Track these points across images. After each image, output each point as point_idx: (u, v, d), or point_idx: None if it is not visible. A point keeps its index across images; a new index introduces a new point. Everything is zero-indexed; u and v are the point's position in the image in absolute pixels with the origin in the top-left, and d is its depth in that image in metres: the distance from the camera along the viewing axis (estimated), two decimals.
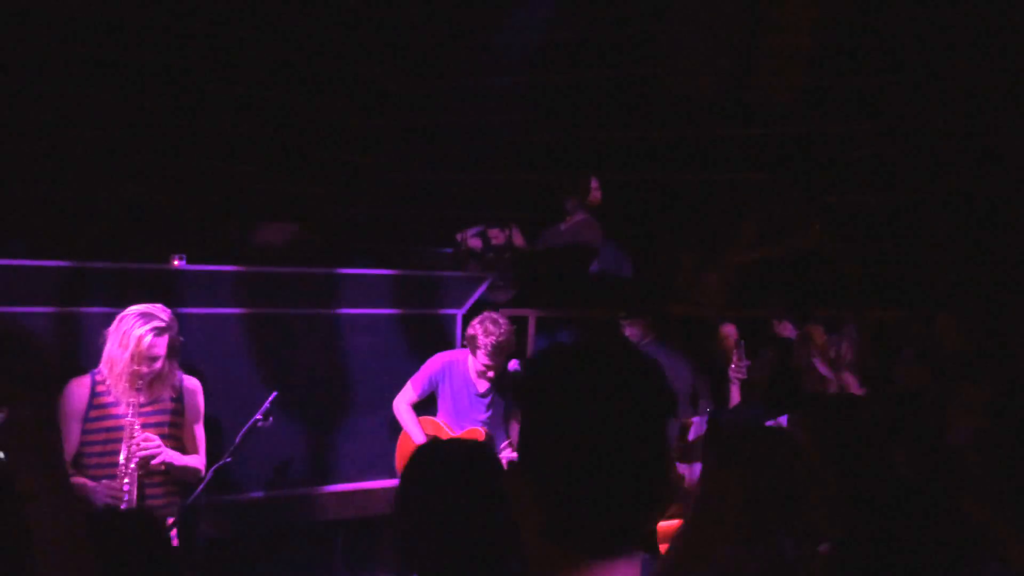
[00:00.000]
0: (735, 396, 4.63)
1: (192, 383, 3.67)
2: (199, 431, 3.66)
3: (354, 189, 7.54)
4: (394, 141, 7.91)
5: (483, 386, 4.44)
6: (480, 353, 4.34)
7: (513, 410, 4.43)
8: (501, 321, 4.36)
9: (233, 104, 7.48)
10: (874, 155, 6.82)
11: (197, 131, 7.21)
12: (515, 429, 4.46)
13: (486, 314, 4.45)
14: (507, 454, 4.30)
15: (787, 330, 5.31)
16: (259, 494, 4.63)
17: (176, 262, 4.49)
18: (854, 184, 6.86)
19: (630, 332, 5.17)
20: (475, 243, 6.02)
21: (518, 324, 5.33)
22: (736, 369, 4.58)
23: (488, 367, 4.32)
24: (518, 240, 6.27)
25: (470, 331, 4.41)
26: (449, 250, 6.00)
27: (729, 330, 5.35)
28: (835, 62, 7.07)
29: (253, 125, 7.53)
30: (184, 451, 3.60)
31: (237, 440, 3.55)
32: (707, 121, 7.38)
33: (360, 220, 7.07)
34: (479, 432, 4.40)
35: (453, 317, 5.23)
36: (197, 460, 3.59)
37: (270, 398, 3.62)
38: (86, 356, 4.20)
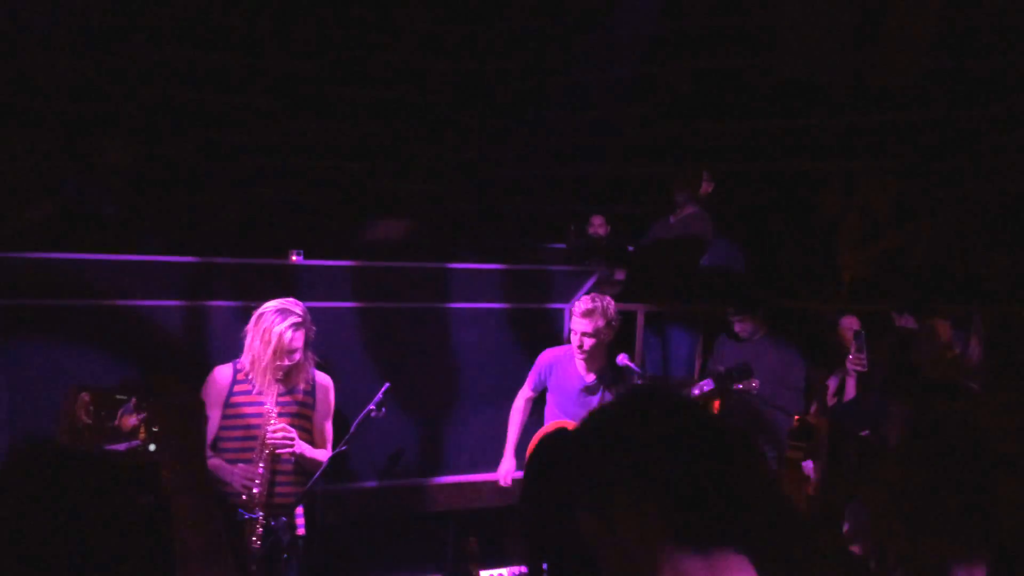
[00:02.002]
0: (851, 389, 4.46)
1: (324, 379, 3.82)
2: (328, 427, 3.82)
3: (465, 185, 7.63)
4: (504, 137, 7.96)
5: (590, 379, 4.40)
6: (572, 322, 4.32)
7: None
8: (595, 295, 4.33)
9: (348, 105, 7.69)
10: (1004, 142, 6.44)
11: (314, 132, 7.45)
12: None
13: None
14: None
15: (908, 323, 5.08)
16: (372, 483, 4.75)
17: (294, 257, 4.65)
18: (985, 173, 6.50)
19: (740, 328, 5.05)
20: (595, 232, 6.00)
21: (627, 319, 5.28)
22: (854, 361, 4.39)
23: (579, 335, 4.28)
24: (602, 230, 6.22)
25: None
26: (558, 245, 6.01)
27: (850, 322, 5.15)
28: (962, 43, 6.71)
29: (367, 125, 7.73)
30: (312, 444, 3.75)
31: (352, 430, 3.65)
32: (824, 109, 7.13)
33: (470, 216, 7.15)
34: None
35: (561, 311, 5.22)
36: (323, 455, 3.73)
37: (383, 389, 3.70)
38: (212, 347, 4.42)
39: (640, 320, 5.51)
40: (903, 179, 6.31)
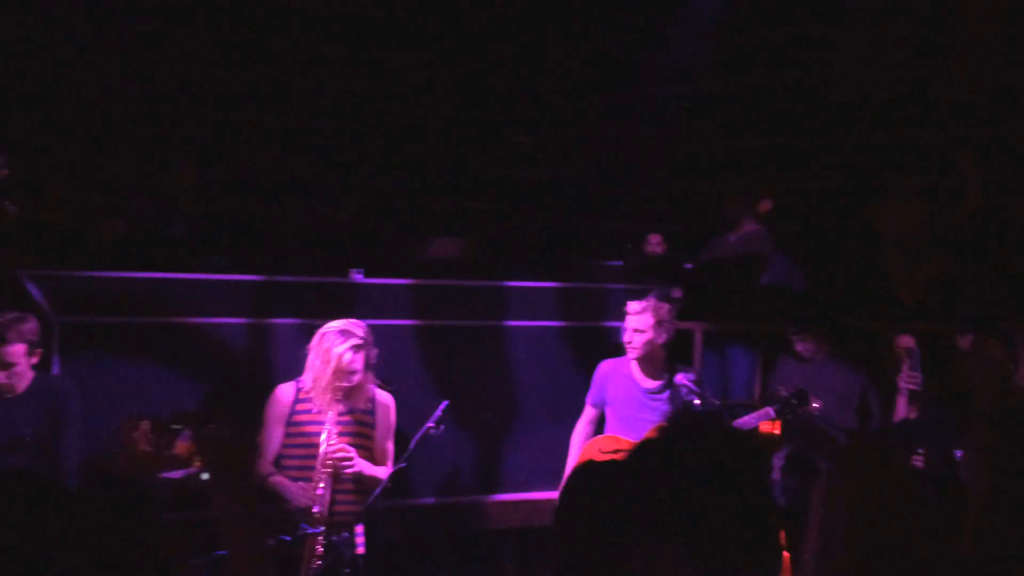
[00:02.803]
0: (901, 408, 4.35)
1: (385, 398, 3.87)
2: (389, 445, 3.87)
3: (522, 204, 7.67)
4: (561, 155, 7.98)
5: (650, 384, 4.35)
6: (625, 321, 4.29)
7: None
8: (649, 298, 4.30)
9: (404, 124, 7.80)
10: None
11: (372, 151, 7.57)
12: None
13: None
14: None
15: (967, 343, 4.93)
16: (430, 500, 4.78)
17: (354, 276, 4.73)
18: None
19: (802, 347, 4.96)
20: (652, 250, 5.98)
21: (684, 338, 5.24)
22: (907, 379, 4.29)
23: (630, 331, 4.24)
24: (659, 248, 6.18)
25: None
26: (615, 262, 5.99)
27: (905, 340, 5.04)
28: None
29: (427, 143, 7.83)
30: (373, 462, 3.80)
31: (411, 447, 3.69)
32: (886, 125, 7.01)
33: (527, 234, 7.18)
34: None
35: (618, 330, 5.20)
36: (384, 472, 3.78)
37: (441, 407, 3.74)
38: (275, 364, 4.51)
39: (698, 339, 5.46)
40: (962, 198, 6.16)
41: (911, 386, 4.27)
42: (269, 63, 7.45)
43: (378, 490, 3.59)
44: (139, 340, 4.39)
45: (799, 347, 4.95)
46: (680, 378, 4.26)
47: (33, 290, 4.15)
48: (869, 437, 4.31)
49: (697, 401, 4.12)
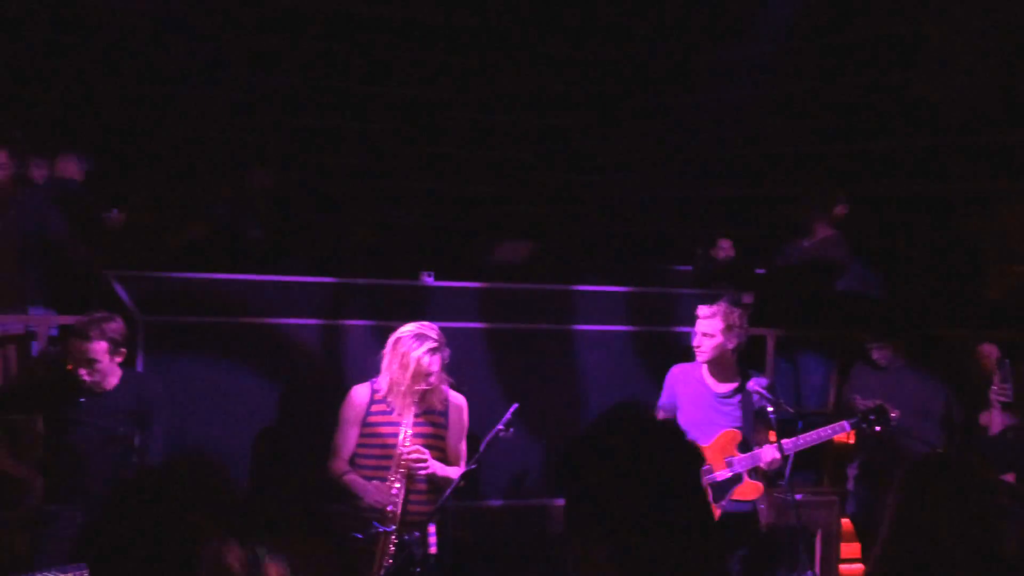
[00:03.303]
0: (997, 421, 4.20)
1: (459, 400, 3.92)
2: (462, 447, 3.92)
3: (591, 207, 7.66)
4: (631, 158, 7.95)
5: (722, 388, 4.30)
6: (696, 324, 4.24)
7: (758, 422, 4.25)
8: (719, 302, 4.25)
9: (475, 129, 7.87)
10: None
11: (442, 156, 7.66)
12: (762, 438, 4.28)
13: None
14: (766, 448, 4.11)
15: None
16: (497, 502, 4.81)
17: (425, 279, 4.79)
18: None
19: (879, 355, 4.85)
20: (722, 255, 5.91)
21: (757, 344, 5.17)
22: (998, 391, 4.14)
23: (699, 335, 4.20)
24: (730, 253, 6.09)
25: None
26: (685, 267, 5.94)
27: (989, 349, 4.87)
28: None
29: (496, 147, 7.88)
30: (446, 462, 3.85)
31: (481, 448, 3.72)
32: (967, 128, 6.80)
33: (597, 238, 7.17)
34: (735, 434, 4.21)
35: (687, 335, 5.16)
36: (456, 473, 3.81)
37: (511, 409, 3.76)
38: (347, 364, 4.60)
39: (770, 346, 5.38)
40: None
41: (1003, 398, 4.13)
42: (343, 69, 7.60)
43: (448, 491, 3.63)
44: (218, 339, 4.52)
45: (876, 355, 4.84)
46: (752, 384, 4.20)
47: (120, 290, 4.31)
48: (952, 451, 4.19)
49: (770, 408, 4.06)
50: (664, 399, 4.50)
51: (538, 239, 6.41)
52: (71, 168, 5.52)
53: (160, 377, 4.12)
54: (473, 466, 3.69)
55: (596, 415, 4.87)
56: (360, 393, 3.84)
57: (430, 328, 3.81)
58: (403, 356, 3.71)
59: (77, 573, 3.22)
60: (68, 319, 4.48)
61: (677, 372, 4.47)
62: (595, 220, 7.44)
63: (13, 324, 4.54)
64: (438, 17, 7.85)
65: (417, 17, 7.81)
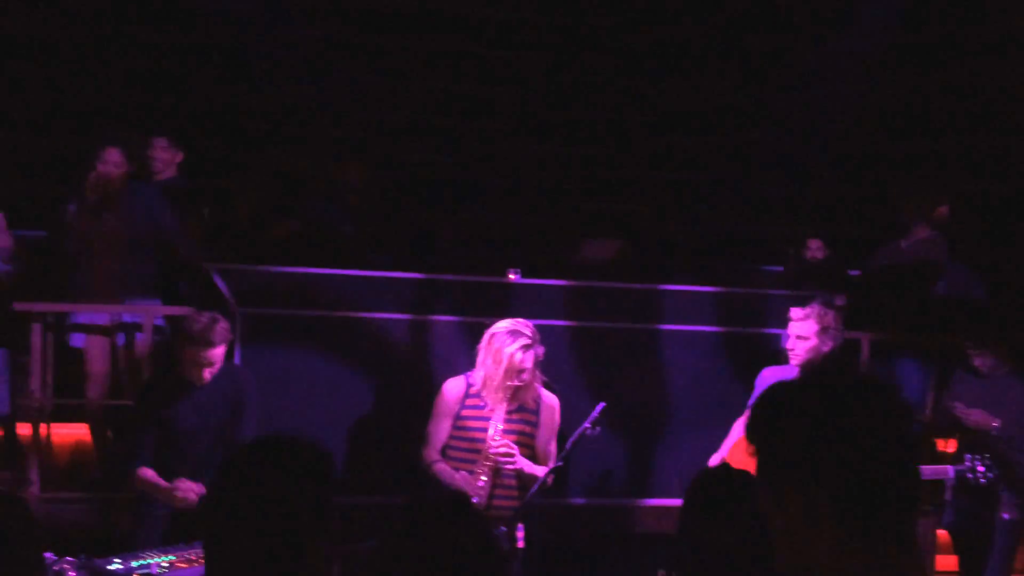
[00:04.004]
0: None
1: (551, 399, 3.94)
2: (552, 446, 3.94)
3: (680, 206, 7.58)
4: (721, 157, 7.83)
5: None
6: (788, 327, 4.13)
7: None
8: (813, 304, 4.13)
9: (567, 125, 7.87)
10: None
11: (530, 153, 7.68)
12: None
13: None
14: None
15: None
16: (581, 501, 4.81)
17: (511, 276, 4.82)
18: None
19: (980, 362, 4.65)
20: (812, 255, 5.76)
21: (850, 348, 5.03)
22: None
23: (793, 337, 4.09)
24: (820, 254, 5.94)
25: None
26: (775, 268, 5.82)
27: None
28: None
29: (585, 145, 7.87)
30: (535, 460, 3.87)
31: (567, 446, 3.73)
32: None
33: (685, 237, 7.09)
34: None
35: (778, 337, 5.05)
36: (543, 471, 3.82)
37: (598, 408, 3.75)
38: (434, 359, 4.67)
39: (865, 350, 5.22)
40: None
41: None
42: (433, 66, 7.70)
43: (534, 488, 3.64)
44: (310, 331, 4.65)
45: (977, 362, 4.65)
46: None
47: (219, 283, 4.47)
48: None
49: None
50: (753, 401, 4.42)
51: (626, 237, 6.37)
52: (169, 164, 5.73)
53: (251, 368, 4.24)
54: (560, 464, 3.70)
55: (682, 419, 4.86)
56: (454, 386, 3.90)
57: (524, 325, 3.83)
58: (496, 352, 3.75)
59: (182, 552, 3.36)
60: (172, 310, 4.67)
61: (770, 374, 4.39)
62: (684, 219, 7.35)
63: (121, 314, 4.74)
64: (520, 14, 7.88)
65: (499, 14, 7.85)
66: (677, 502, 4.78)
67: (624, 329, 4.95)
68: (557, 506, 4.63)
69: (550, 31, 7.91)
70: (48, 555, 2.85)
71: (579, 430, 3.70)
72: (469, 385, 3.87)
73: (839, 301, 5.23)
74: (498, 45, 7.82)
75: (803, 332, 4.11)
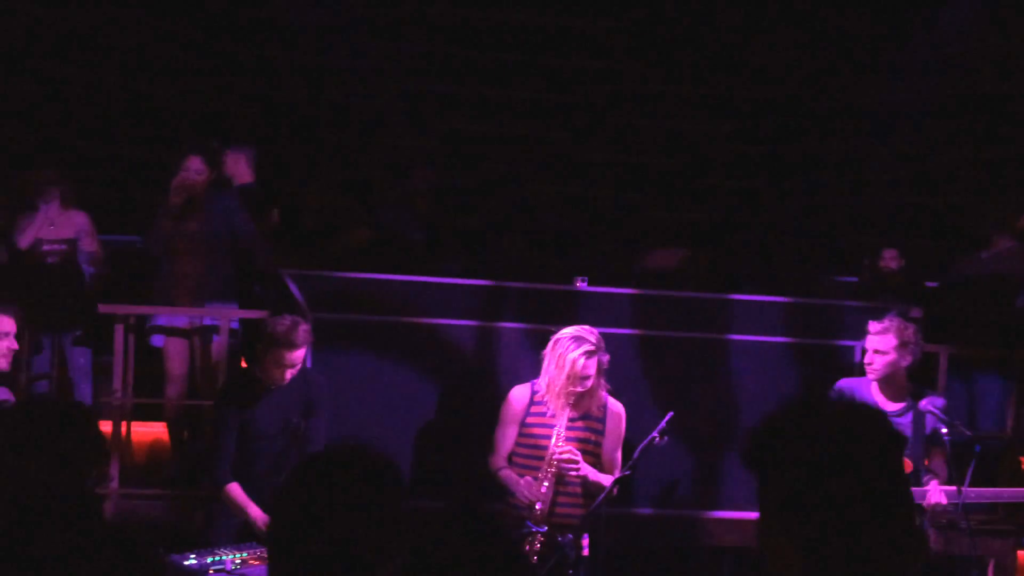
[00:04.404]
0: None
1: (617, 407, 3.93)
2: (617, 455, 3.93)
3: (749, 215, 7.48)
4: (790, 166, 7.71)
5: (894, 407, 4.08)
6: (866, 340, 4.03)
7: (934, 444, 4.02)
8: (894, 315, 4.03)
9: (634, 133, 7.85)
10: None
11: (598, 160, 7.68)
12: (936, 462, 4.05)
13: None
14: (933, 489, 3.88)
15: None
16: (647, 511, 4.77)
17: (579, 284, 4.82)
18: None
19: None
20: (887, 266, 5.63)
21: (928, 361, 4.89)
22: None
23: (871, 351, 3.99)
24: (894, 264, 5.79)
25: None
26: (849, 278, 5.70)
27: None
28: None
29: (652, 153, 7.83)
30: (600, 468, 3.87)
31: (635, 455, 3.71)
32: None
33: (755, 246, 6.99)
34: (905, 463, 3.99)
35: (851, 349, 4.95)
36: (608, 479, 3.82)
37: (667, 418, 3.72)
38: (500, 366, 4.69)
39: (943, 364, 5.07)
40: None
41: None
42: (501, 75, 7.76)
43: (601, 497, 3.63)
44: (380, 337, 4.72)
45: None
46: (925, 403, 3.97)
47: (293, 288, 4.58)
48: None
49: (944, 430, 3.83)
50: None
51: (694, 246, 6.31)
52: (245, 171, 5.90)
53: (324, 372, 4.33)
54: (627, 472, 3.68)
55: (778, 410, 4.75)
56: (520, 393, 3.91)
57: (589, 332, 3.83)
58: (559, 357, 3.75)
59: (254, 550, 3.45)
60: (249, 313, 4.79)
61: (844, 387, 4.29)
62: (754, 228, 7.26)
63: (199, 317, 4.89)
64: (590, 22, 7.89)
65: (570, 22, 7.87)
66: (745, 515, 4.76)
67: (692, 339, 4.90)
68: (623, 515, 4.60)
69: (616, 38, 7.90)
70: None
71: (647, 439, 3.67)
72: (534, 392, 3.89)
73: (915, 313, 5.10)
74: (565, 53, 7.84)
75: (881, 346, 4.01)
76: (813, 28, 7.75)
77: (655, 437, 3.67)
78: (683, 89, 7.90)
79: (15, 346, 3.46)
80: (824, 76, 7.73)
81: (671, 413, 3.72)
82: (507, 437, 3.90)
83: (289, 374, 3.85)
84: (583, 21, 7.89)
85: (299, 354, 3.83)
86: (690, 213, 7.46)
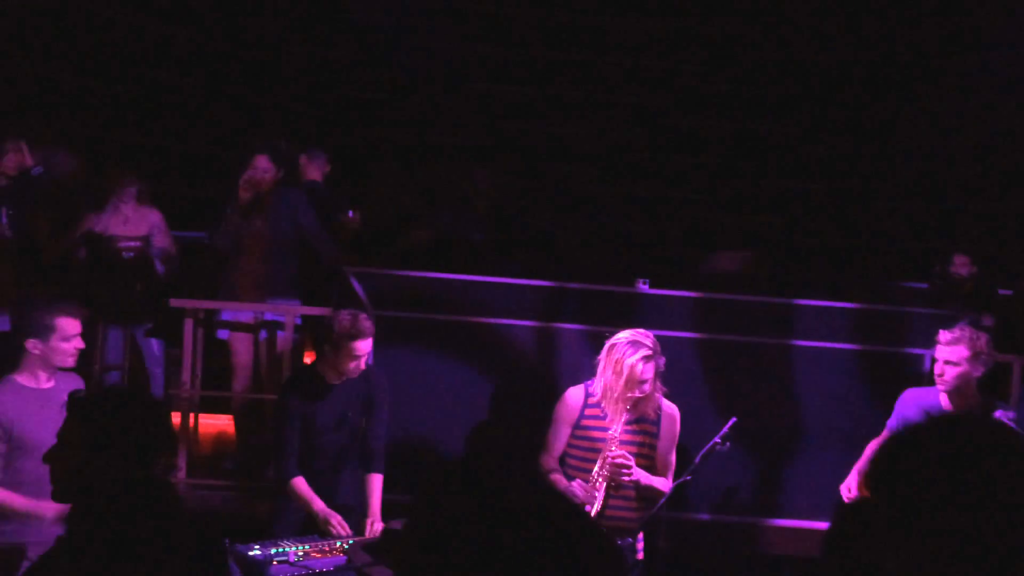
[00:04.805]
0: None
1: (672, 409, 3.89)
2: (671, 457, 3.88)
3: (816, 219, 7.35)
4: (857, 168, 7.55)
5: None
6: (936, 351, 3.91)
7: None
8: (965, 324, 3.90)
9: (696, 136, 7.77)
10: None
11: (662, 162, 7.62)
12: None
13: None
14: None
15: None
16: (705, 516, 4.72)
17: (640, 286, 4.79)
18: None
19: None
20: (957, 272, 5.47)
21: (1001, 372, 4.75)
22: None
23: (941, 363, 3.87)
24: (964, 270, 5.60)
25: None
26: (919, 284, 5.56)
27: None
28: None
29: (717, 156, 7.74)
30: (654, 472, 3.83)
31: (696, 461, 3.67)
32: None
33: (821, 250, 6.87)
34: None
35: (921, 357, 4.83)
36: (664, 484, 3.79)
37: (729, 423, 3.67)
38: (559, 366, 4.69)
39: (1016, 374, 4.92)
40: None
41: None
42: (565, 76, 7.75)
43: (661, 502, 3.60)
44: (440, 335, 4.76)
45: None
46: (998, 415, 3.85)
47: (356, 285, 4.64)
48: None
49: None
50: (895, 423, 4.23)
51: (758, 249, 6.22)
52: (313, 169, 6.02)
53: (385, 369, 4.38)
54: (688, 478, 3.64)
55: (813, 438, 4.70)
56: (574, 395, 3.90)
57: (645, 335, 3.79)
58: (616, 363, 3.72)
59: (317, 543, 3.51)
60: (313, 310, 4.87)
61: (911, 397, 4.18)
62: (820, 231, 7.12)
63: (265, 312, 4.99)
64: (656, 22, 7.83)
65: (634, 23, 7.83)
66: (807, 524, 4.68)
67: (754, 343, 4.83)
68: (681, 520, 4.56)
69: (679, 38, 7.83)
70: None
71: (708, 445, 3.63)
72: (588, 395, 3.86)
73: (987, 321, 4.95)
74: (630, 53, 7.79)
75: (952, 357, 3.89)
76: (882, 27, 7.57)
77: (717, 442, 3.63)
78: (748, 89, 7.79)
79: (82, 346, 3.59)
80: (893, 73, 7.55)
81: (734, 419, 3.67)
82: (560, 438, 3.88)
83: (355, 366, 3.87)
84: (648, 22, 7.84)
85: (368, 343, 3.86)
86: (756, 215, 7.35)
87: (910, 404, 4.14)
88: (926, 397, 4.10)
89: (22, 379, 3.49)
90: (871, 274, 6.37)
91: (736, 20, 7.84)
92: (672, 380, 4.41)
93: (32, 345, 3.46)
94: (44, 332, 3.44)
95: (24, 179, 5.04)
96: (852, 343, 4.84)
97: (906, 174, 7.34)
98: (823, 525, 4.80)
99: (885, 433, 4.23)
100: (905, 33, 7.51)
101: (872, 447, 4.27)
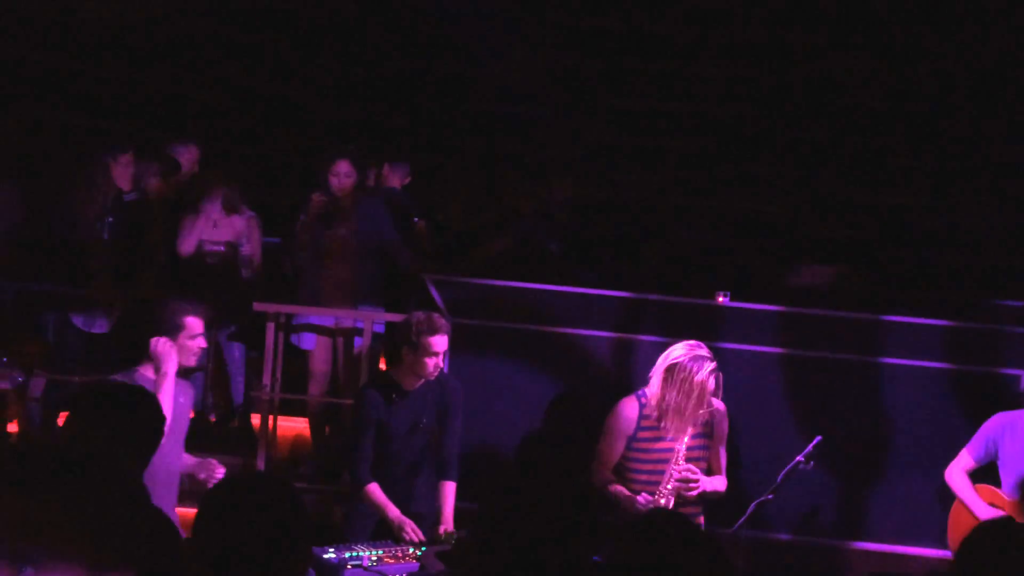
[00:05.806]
0: None
1: (720, 406, 3.90)
2: (722, 452, 3.90)
3: (905, 232, 7.11)
4: (956, 180, 7.27)
5: None
6: None
7: None
8: None
9: (780, 146, 7.61)
10: None
11: (745, 174, 7.49)
12: None
13: None
14: None
15: None
16: (786, 536, 4.59)
17: (720, 299, 4.70)
18: None
19: None
20: None
21: None
22: None
23: None
24: None
25: None
26: (1015, 302, 5.31)
27: None
28: None
29: (799, 167, 7.57)
30: (710, 472, 3.84)
31: (779, 479, 3.58)
32: None
33: (912, 265, 6.63)
34: None
35: (1016, 378, 4.61)
36: (720, 482, 3.81)
37: (814, 442, 3.58)
38: (635, 378, 4.62)
39: None
40: None
41: None
42: (643, 86, 7.68)
43: (742, 520, 3.53)
44: (516, 344, 4.75)
45: None
46: None
47: (434, 293, 4.67)
48: None
49: None
50: (978, 450, 4.04)
51: (847, 263, 6.04)
52: (394, 178, 6.09)
53: (458, 376, 4.38)
54: (770, 496, 3.55)
55: (901, 459, 4.54)
56: (629, 407, 3.84)
57: (700, 346, 3.73)
58: (684, 382, 3.63)
59: (390, 548, 3.53)
60: (393, 317, 4.92)
61: (1002, 422, 4.00)
62: (911, 246, 6.88)
63: (345, 318, 5.05)
64: (734, 33, 7.71)
65: (713, 33, 7.72)
66: (893, 548, 4.50)
67: (840, 360, 4.69)
68: (761, 539, 4.45)
69: (759, 48, 7.69)
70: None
71: (792, 463, 3.54)
72: (642, 405, 3.80)
73: None
74: (708, 64, 7.69)
75: None
76: (988, 37, 7.30)
77: (800, 461, 3.54)
78: (841, 100, 7.60)
79: (204, 344, 3.72)
80: (994, 86, 7.26)
81: (819, 437, 3.57)
82: (615, 450, 3.84)
83: (433, 364, 3.84)
84: (724, 32, 7.72)
85: (445, 340, 3.86)
86: (844, 228, 7.15)
87: (1001, 428, 3.95)
88: (1019, 421, 3.91)
89: (147, 372, 3.57)
90: (965, 291, 6.12)
91: (824, 28, 7.66)
92: (753, 396, 4.31)
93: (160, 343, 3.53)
94: (174, 331, 3.54)
95: (118, 204, 5.22)
96: (943, 362, 4.66)
97: (1003, 188, 7.04)
98: (908, 549, 4.64)
99: (964, 458, 4.05)
100: (1008, 41, 7.22)
101: (949, 475, 4.09)
